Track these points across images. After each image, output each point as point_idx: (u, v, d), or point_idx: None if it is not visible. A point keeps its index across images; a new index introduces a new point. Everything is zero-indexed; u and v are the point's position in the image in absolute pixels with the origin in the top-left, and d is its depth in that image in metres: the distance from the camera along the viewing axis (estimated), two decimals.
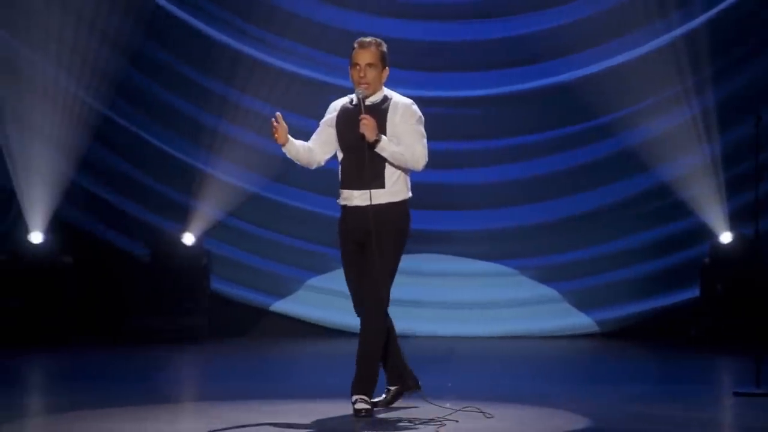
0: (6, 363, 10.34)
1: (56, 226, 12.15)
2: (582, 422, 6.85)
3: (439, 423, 6.68)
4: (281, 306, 12.76)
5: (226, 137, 12.50)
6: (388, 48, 7.12)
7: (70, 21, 11.96)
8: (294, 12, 12.52)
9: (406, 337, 12.14)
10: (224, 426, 6.62)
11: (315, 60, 12.72)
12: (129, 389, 8.43)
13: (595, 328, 12.45)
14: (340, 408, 7.06)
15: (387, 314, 7.03)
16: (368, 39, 7.08)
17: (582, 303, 12.62)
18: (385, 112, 7.00)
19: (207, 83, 12.57)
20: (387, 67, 7.10)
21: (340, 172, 7.08)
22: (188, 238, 12.32)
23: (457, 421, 6.75)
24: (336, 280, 12.63)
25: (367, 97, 7.01)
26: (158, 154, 12.52)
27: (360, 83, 7.00)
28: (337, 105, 7.17)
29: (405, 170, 7.04)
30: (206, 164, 12.47)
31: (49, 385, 9.47)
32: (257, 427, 6.61)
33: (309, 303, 12.72)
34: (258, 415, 7.02)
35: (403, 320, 12.11)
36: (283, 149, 7.05)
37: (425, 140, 7.10)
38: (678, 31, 12.25)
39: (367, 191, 6.92)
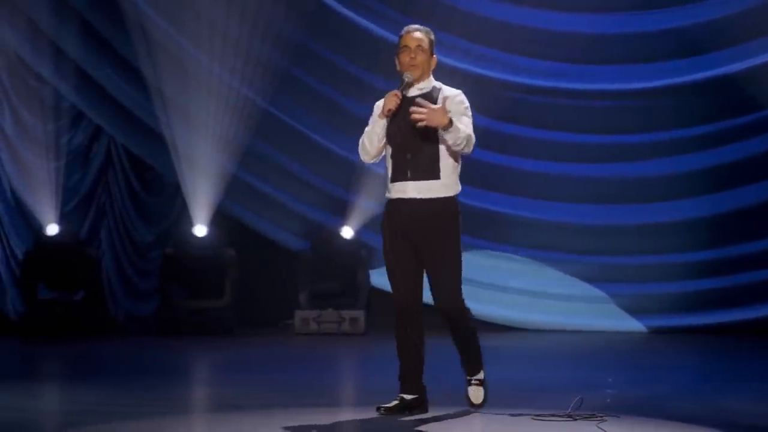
0: (173, 355, 10.57)
1: (219, 219, 12.37)
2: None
3: (600, 418, 6.59)
4: None
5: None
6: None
7: (234, 18, 12.16)
8: (455, 6, 12.51)
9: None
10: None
11: (474, 54, 12.69)
12: (291, 383, 8.52)
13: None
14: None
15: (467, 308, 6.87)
16: (417, 26, 6.84)
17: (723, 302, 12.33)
18: (436, 100, 6.69)
19: (367, 78, 12.64)
20: (435, 56, 6.86)
21: (390, 166, 6.74)
22: (347, 232, 12.41)
23: (618, 417, 6.66)
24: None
25: (414, 80, 6.73)
26: (317, 148, 12.65)
27: (410, 65, 6.74)
28: (383, 100, 6.81)
29: (456, 158, 6.72)
30: None
31: (213, 377, 9.62)
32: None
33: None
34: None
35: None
36: (381, 120, 6.73)
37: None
38: None
39: (422, 182, 6.66)
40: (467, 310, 6.83)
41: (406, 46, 6.78)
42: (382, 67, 12.63)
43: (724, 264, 12.30)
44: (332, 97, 12.69)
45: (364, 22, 12.57)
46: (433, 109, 6.56)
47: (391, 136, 6.75)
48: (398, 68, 6.83)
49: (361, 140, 6.85)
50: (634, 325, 12.39)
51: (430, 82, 6.83)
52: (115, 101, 12.60)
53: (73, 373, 9.50)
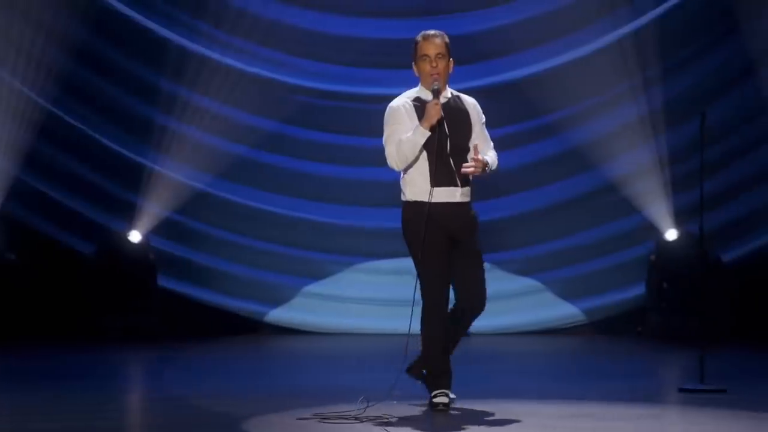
0: None
1: (0, 223, 12.05)
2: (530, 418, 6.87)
3: (386, 420, 6.65)
4: (230, 304, 12.78)
5: (173, 134, 12.46)
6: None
7: (16, 18, 11.88)
8: (244, 9, 12.49)
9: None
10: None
11: (262, 57, 12.70)
12: (80, 389, 8.36)
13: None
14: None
15: None
16: (433, 31, 6.92)
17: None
18: (464, 109, 6.95)
19: (155, 80, 12.51)
20: (452, 60, 6.95)
21: (427, 171, 6.86)
22: (135, 236, 12.26)
23: (405, 418, 6.73)
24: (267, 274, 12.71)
25: (440, 90, 6.85)
26: (105, 151, 12.45)
27: (432, 74, 6.85)
28: (405, 107, 6.96)
29: None
30: (154, 161, 12.42)
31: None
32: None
33: (255, 299, 12.76)
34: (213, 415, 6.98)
35: (386, 318, 12.25)
36: (426, 131, 6.79)
37: None
38: (625, 30, 12.33)
39: (465, 188, 6.94)
40: None
41: (425, 55, 6.86)
42: (169, 69, 12.53)
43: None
44: (118, 98, 12.51)
45: (150, 23, 12.43)
46: (481, 164, 6.82)
47: (430, 144, 6.80)
48: (416, 74, 6.92)
49: (396, 149, 6.86)
50: None
51: (448, 90, 6.94)
52: None
53: None
